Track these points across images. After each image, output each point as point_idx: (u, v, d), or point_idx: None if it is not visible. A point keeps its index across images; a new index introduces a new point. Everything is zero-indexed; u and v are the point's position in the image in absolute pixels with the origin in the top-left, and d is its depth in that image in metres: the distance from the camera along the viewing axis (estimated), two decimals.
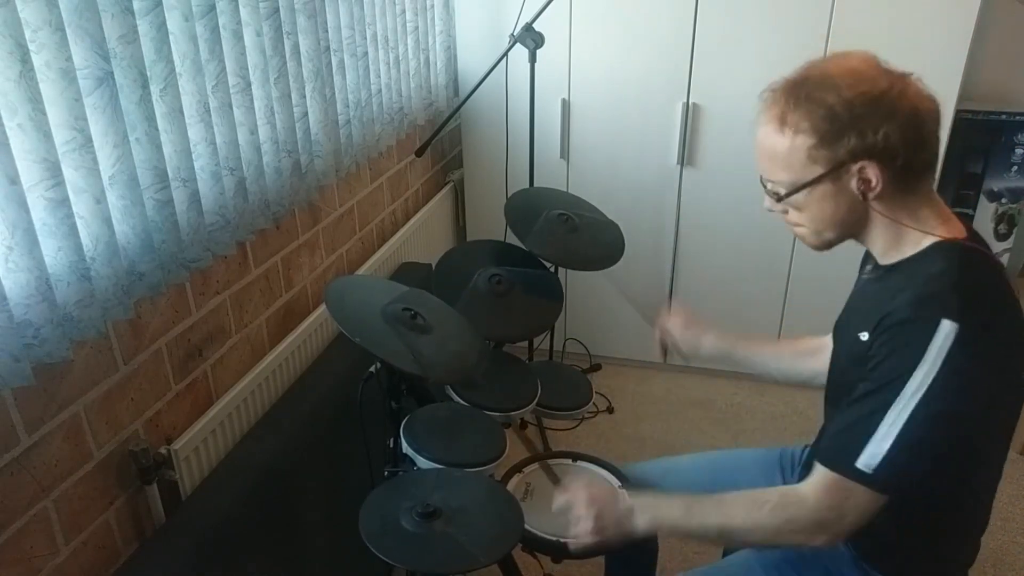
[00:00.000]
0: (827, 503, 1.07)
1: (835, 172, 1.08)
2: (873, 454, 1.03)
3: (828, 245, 1.19)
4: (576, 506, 1.22)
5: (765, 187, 1.17)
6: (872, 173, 1.06)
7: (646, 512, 1.19)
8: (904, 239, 1.13)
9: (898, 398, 1.02)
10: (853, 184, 1.08)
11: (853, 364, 1.18)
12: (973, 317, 1.01)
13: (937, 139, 1.09)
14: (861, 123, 1.04)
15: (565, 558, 1.35)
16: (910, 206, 1.11)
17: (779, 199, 1.14)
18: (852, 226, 1.15)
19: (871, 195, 1.09)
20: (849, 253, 1.33)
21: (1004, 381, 1.09)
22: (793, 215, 1.17)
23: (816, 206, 1.13)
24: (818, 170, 1.09)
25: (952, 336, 1.00)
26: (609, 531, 1.19)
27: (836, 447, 1.09)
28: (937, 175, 1.16)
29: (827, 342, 1.49)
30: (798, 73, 1.10)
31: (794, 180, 1.11)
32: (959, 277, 1.07)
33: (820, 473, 1.09)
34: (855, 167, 1.07)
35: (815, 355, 1.49)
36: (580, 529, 1.20)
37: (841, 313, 1.34)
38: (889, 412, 1.03)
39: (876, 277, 1.20)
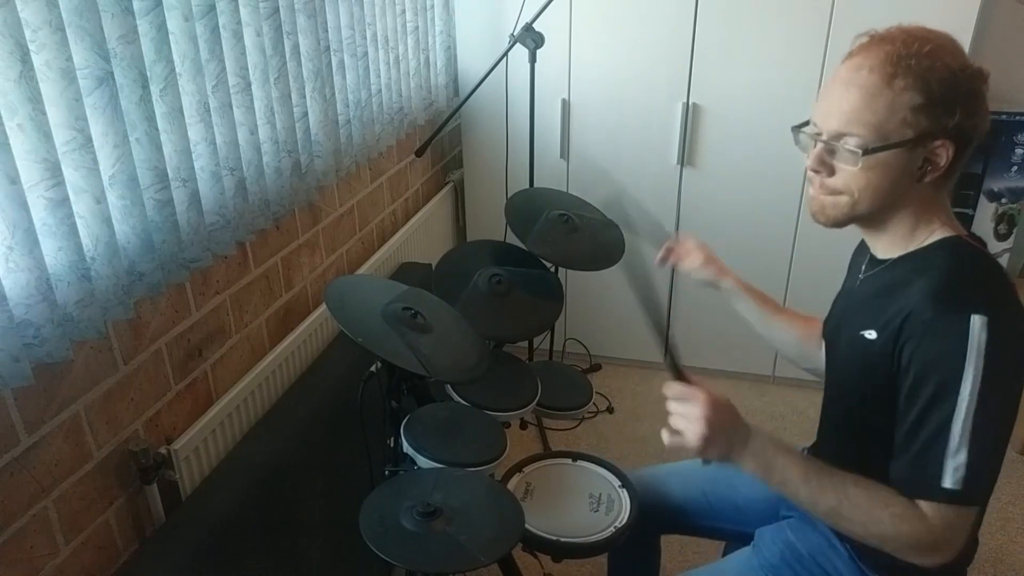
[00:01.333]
0: (941, 524, 1.03)
1: (918, 141, 1.03)
2: (956, 468, 1.00)
3: (850, 220, 1.13)
4: (692, 404, 1.08)
5: (822, 139, 1.09)
6: (945, 154, 1.03)
7: (761, 454, 1.09)
8: (917, 231, 1.12)
9: (956, 407, 1.00)
10: (919, 160, 1.05)
11: (858, 363, 1.17)
12: (997, 307, 1.02)
13: None
14: (972, 101, 1.02)
15: (565, 557, 1.35)
16: (935, 198, 1.10)
17: (865, 153, 1.04)
18: (886, 204, 1.10)
19: (929, 176, 1.06)
20: (849, 252, 1.33)
21: None
22: (840, 178, 1.09)
23: (880, 172, 1.06)
24: (908, 134, 1.03)
25: (985, 329, 0.99)
26: (713, 449, 1.07)
27: (917, 475, 1.04)
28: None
29: None
30: (907, 29, 1.04)
31: (879, 137, 1.04)
32: (973, 271, 1.07)
33: (921, 503, 1.04)
34: (937, 143, 1.03)
35: (815, 347, 1.49)
36: (688, 430, 1.07)
37: (831, 316, 1.32)
38: (954, 424, 1.00)
39: (875, 274, 1.19)
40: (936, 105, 1.01)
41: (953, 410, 1.01)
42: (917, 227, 1.12)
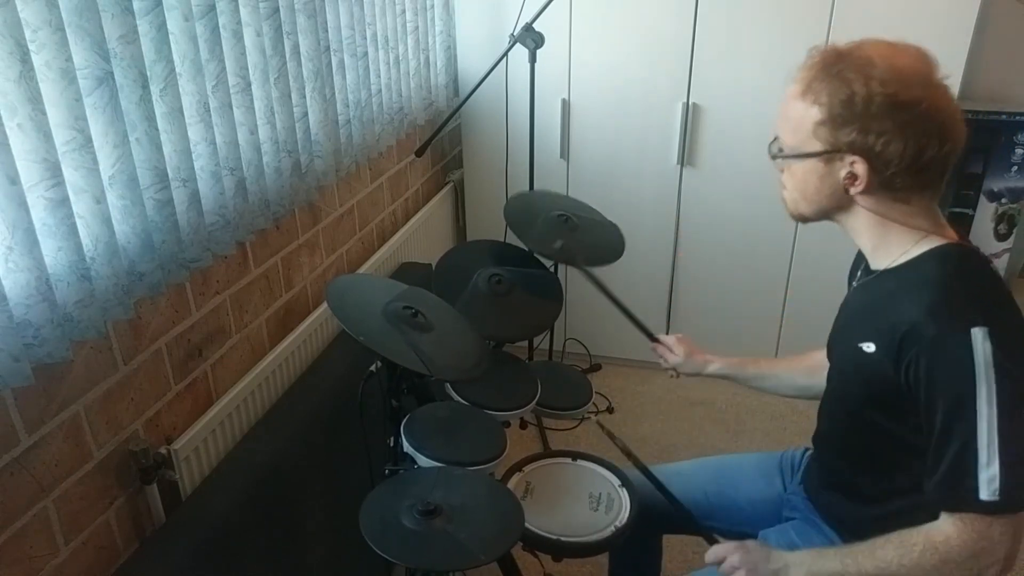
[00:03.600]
0: (973, 537, 1.04)
1: (828, 155, 1.10)
2: (990, 480, 1.01)
3: (803, 219, 1.21)
4: (729, 565, 1.21)
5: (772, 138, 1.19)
6: (860, 171, 1.08)
7: (802, 566, 1.16)
8: (892, 239, 1.13)
9: (978, 420, 1.01)
10: (841, 174, 1.10)
11: (858, 373, 1.17)
12: (994, 314, 1.03)
13: (944, 167, 1.09)
14: (869, 122, 1.05)
15: (566, 556, 1.35)
16: (900, 210, 1.12)
17: (774, 157, 1.18)
18: (831, 211, 1.17)
19: (853, 190, 1.10)
20: (850, 255, 1.33)
21: None
22: (785, 176, 1.20)
23: (801, 178, 1.15)
24: (816, 146, 1.10)
25: (987, 340, 1.00)
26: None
27: (951, 492, 1.05)
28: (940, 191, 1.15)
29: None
30: (846, 46, 1.10)
31: (794, 146, 1.14)
32: (965, 280, 1.07)
33: (953, 516, 1.05)
34: (848, 159, 1.08)
35: (824, 370, 1.49)
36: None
37: (834, 326, 1.33)
38: (979, 436, 1.01)
39: (867, 283, 1.20)
40: (834, 121, 1.07)
41: (974, 426, 1.01)
42: (889, 234, 1.13)
